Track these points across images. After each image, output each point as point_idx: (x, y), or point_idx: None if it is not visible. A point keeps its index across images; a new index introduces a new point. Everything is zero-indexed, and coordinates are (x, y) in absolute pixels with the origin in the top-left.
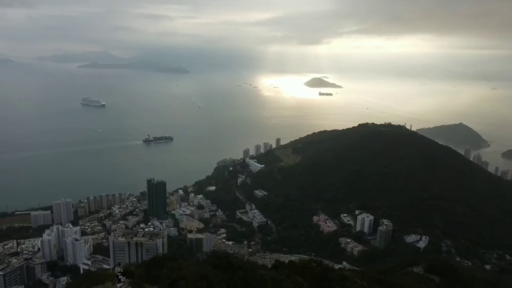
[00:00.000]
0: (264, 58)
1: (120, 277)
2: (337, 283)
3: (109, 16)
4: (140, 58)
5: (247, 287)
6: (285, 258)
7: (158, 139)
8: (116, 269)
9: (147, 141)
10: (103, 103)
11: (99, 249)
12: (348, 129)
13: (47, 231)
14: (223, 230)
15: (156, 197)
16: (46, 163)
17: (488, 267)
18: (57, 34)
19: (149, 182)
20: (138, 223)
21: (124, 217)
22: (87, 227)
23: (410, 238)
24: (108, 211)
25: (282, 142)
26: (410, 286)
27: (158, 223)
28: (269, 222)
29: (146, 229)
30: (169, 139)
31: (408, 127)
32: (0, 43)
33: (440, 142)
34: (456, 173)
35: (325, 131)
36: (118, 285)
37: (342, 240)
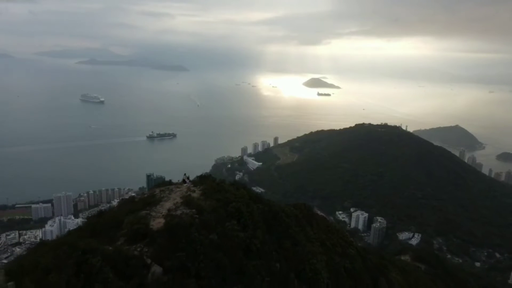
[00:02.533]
0: (263, 58)
1: (186, 180)
2: (319, 218)
3: (110, 13)
4: (139, 55)
5: (259, 199)
6: None
7: (161, 136)
8: (183, 176)
9: (151, 138)
10: (102, 99)
11: None
12: (345, 129)
13: (49, 222)
14: None
15: None
16: (45, 158)
17: (478, 264)
18: (57, 29)
19: (148, 177)
20: None
21: None
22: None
23: (403, 235)
24: (108, 205)
25: (280, 141)
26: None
27: None
28: None
29: None
30: (173, 135)
31: (404, 128)
32: (0, 38)
33: (436, 144)
34: (449, 174)
35: (322, 131)
36: (185, 184)
37: None
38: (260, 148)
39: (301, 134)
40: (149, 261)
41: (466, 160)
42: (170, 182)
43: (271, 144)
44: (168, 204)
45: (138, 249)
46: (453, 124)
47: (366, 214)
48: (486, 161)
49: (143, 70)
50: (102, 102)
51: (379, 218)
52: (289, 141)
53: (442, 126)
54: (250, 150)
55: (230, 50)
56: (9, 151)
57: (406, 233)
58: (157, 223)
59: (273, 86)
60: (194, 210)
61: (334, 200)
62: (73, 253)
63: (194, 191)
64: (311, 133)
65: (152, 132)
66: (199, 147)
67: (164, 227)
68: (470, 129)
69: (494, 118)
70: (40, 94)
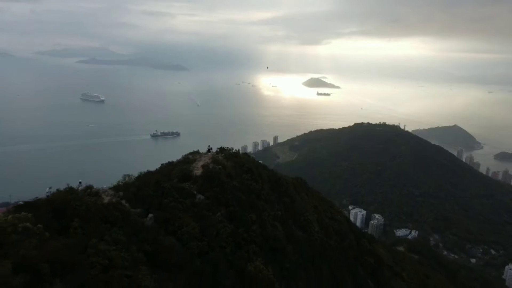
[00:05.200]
0: (264, 57)
1: (210, 149)
2: (313, 190)
3: (112, 12)
4: (139, 55)
5: (265, 166)
6: None
7: (165, 134)
8: (208, 147)
9: (155, 136)
10: (103, 98)
11: None
12: (344, 128)
13: None
14: None
15: None
16: (47, 156)
17: (473, 260)
18: (57, 28)
19: None
20: None
21: None
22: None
23: (400, 232)
24: None
25: (279, 140)
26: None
27: None
28: None
29: None
30: (176, 134)
31: (402, 127)
32: (0, 36)
33: (434, 143)
34: (446, 172)
35: (321, 130)
36: (209, 153)
37: None
38: (260, 147)
39: (300, 133)
40: (195, 192)
41: (463, 160)
42: (198, 152)
43: (271, 143)
44: (201, 162)
45: (187, 185)
46: (451, 124)
47: (364, 212)
48: (484, 161)
49: (143, 69)
50: (102, 101)
51: (377, 215)
52: (288, 140)
53: (440, 126)
54: (250, 149)
55: (230, 50)
56: (10, 150)
57: (404, 230)
58: (196, 171)
59: (273, 86)
60: (220, 166)
61: (333, 198)
62: (150, 181)
63: (218, 156)
64: (311, 132)
65: (156, 130)
66: (201, 145)
67: (202, 173)
68: (468, 129)
69: (492, 118)
70: (40, 93)
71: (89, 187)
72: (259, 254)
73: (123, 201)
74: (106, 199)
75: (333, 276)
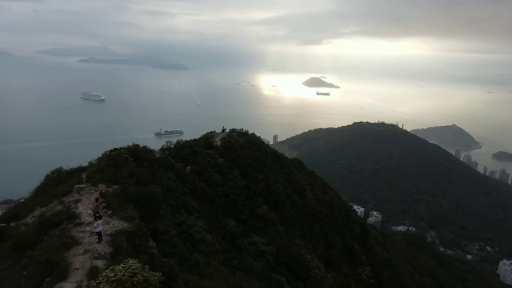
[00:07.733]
0: (264, 57)
1: (224, 129)
2: (309, 170)
3: (113, 12)
4: (139, 54)
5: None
6: None
7: (169, 133)
8: (222, 127)
9: (158, 135)
10: (103, 97)
11: None
12: (343, 127)
13: None
14: None
15: None
16: (47, 154)
17: (469, 257)
18: (58, 28)
19: None
20: None
21: None
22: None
23: (398, 229)
24: None
25: (279, 139)
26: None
27: None
28: None
29: None
30: (180, 133)
31: (400, 126)
32: (0, 36)
33: (432, 142)
34: (444, 171)
35: (320, 129)
36: (224, 132)
37: None
38: None
39: (300, 132)
40: (217, 156)
41: (461, 159)
42: (215, 131)
43: (270, 142)
44: (219, 137)
45: (211, 151)
46: (450, 124)
47: (362, 209)
48: (482, 160)
49: (143, 69)
50: (103, 100)
51: (375, 213)
52: (288, 139)
53: (439, 125)
54: None
55: (230, 49)
56: (11, 148)
57: (401, 226)
58: (216, 143)
59: (272, 86)
60: (234, 140)
61: None
62: (185, 146)
63: (232, 134)
64: (310, 131)
65: (160, 129)
66: None
67: (221, 144)
68: (467, 129)
69: (491, 118)
70: (40, 92)
71: (144, 146)
72: (265, 204)
73: (169, 157)
74: (157, 155)
75: (324, 234)
